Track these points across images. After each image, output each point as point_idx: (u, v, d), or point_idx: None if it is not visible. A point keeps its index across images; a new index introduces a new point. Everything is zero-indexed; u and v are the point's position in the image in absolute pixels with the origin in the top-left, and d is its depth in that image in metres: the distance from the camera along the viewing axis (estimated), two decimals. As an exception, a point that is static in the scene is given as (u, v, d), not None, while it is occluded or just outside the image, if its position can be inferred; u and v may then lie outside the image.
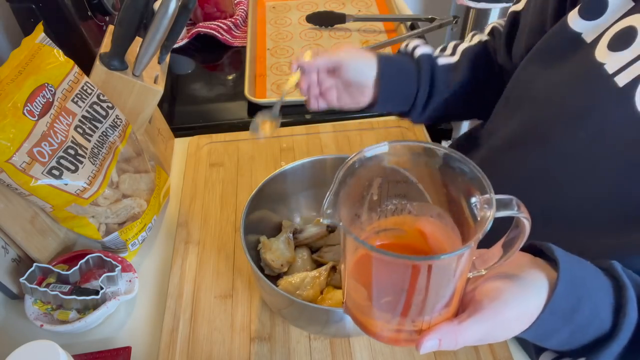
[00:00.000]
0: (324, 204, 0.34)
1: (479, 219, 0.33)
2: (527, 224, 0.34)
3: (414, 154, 0.37)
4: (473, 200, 0.34)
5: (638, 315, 0.37)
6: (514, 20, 0.64)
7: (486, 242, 0.34)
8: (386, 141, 0.37)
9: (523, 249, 0.37)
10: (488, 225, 0.32)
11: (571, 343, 0.39)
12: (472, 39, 0.73)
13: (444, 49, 0.73)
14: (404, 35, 1.10)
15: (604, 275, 0.39)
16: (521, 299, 0.36)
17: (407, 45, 0.73)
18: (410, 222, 0.39)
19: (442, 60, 0.70)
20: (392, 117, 0.93)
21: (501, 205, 0.32)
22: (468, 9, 1.81)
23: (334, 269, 0.64)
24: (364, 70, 0.66)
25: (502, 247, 0.36)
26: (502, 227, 0.34)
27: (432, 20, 1.13)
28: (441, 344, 0.35)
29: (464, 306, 0.37)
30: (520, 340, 0.61)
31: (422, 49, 0.70)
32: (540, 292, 0.36)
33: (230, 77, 1.10)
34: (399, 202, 0.39)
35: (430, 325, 0.36)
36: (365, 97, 0.68)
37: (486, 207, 0.32)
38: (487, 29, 0.74)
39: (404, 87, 0.68)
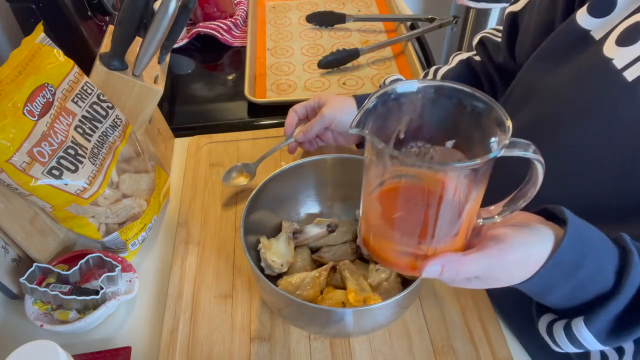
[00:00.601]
0: (354, 118, 0.35)
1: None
2: (540, 169, 0.35)
3: (442, 96, 0.38)
4: (492, 140, 0.35)
5: None
6: (513, 20, 0.65)
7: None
8: (416, 79, 0.38)
9: (536, 213, 0.40)
10: (500, 151, 0.33)
11: (571, 300, 0.39)
12: (452, 61, 0.75)
13: (425, 75, 0.76)
14: (403, 36, 1.10)
15: (612, 242, 0.40)
16: (526, 244, 0.37)
17: (384, 82, 0.76)
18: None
19: None
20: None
21: (518, 145, 0.34)
22: (468, 9, 1.81)
23: (334, 269, 0.64)
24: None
25: (515, 196, 0.38)
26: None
27: (432, 20, 1.13)
28: (443, 270, 0.37)
29: (471, 247, 0.39)
30: (522, 339, 0.62)
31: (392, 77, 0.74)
32: (546, 243, 0.37)
33: (230, 77, 1.10)
34: (423, 145, 0.40)
35: (436, 253, 0.38)
36: (357, 138, 0.76)
37: (503, 140, 0.34)
38: (475, 41, 0.75)
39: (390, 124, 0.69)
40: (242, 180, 0.79)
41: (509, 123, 0.34)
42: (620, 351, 0.42)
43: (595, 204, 0.48)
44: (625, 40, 0.46)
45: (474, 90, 0.36)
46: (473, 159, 0.32)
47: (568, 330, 0.41)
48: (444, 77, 0.71)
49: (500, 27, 0.71)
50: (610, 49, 0.47)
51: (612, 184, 0.48)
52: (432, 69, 0.77)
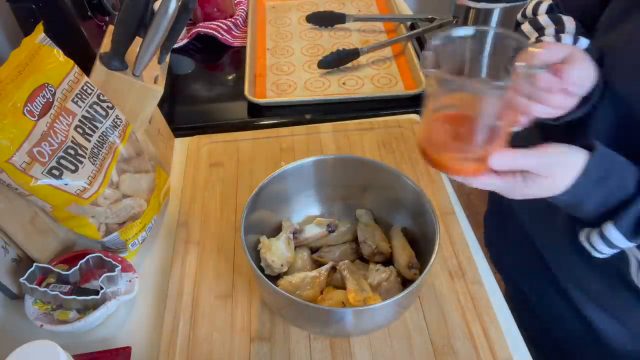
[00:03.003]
0: (424, 54, 0.45)
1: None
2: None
3: (495, 39, 0.48)
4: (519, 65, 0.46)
5: None
6: None
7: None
8: (473, 26, 0.49)
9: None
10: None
11: (602, 206, 0.48)
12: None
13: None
14: (403, 36, 1.10)
15: (634, 164, 0.48)
16: (566, 149, 0.47)
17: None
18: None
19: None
20: (392, 117, 0.93)
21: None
22: (468, 9, 1.81)
23: (334, 269, 0.64)
24: None
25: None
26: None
27: (432, 20, 1.13)
28: (501, 158, 0.46)
29: None
30: (523, 338, 0.62)
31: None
32: (580, 157, 0.47)
33: (230, 77, 1.10)
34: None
35: (486, 155, 0.47)
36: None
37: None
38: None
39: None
40: None
41: (526, 47, 0.46)
42: None
43: None
44: None
45: (507, 32, 0.47)
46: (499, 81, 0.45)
47: (602, 234, 0.49)
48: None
49: None
50: None
51: None
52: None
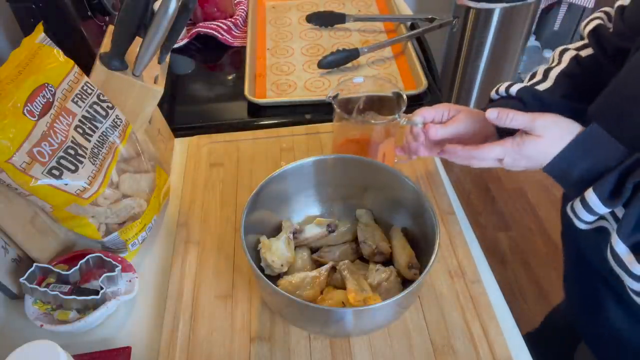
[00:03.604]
0: (329, 92, 0.72)
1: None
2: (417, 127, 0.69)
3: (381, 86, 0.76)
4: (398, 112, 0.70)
5: None
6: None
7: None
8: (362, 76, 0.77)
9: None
10: (396, 116, 0.70)
11: (585, 178, 0.52)
12: (562, 59, 0.69)
13: (533, 76, 0.70)
14: (403, 36, 1.10)
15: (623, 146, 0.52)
16: (561, 118, 0.54)
17: (497, 90, 0.71)
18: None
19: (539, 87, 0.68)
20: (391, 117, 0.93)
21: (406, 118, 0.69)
22: (468, 9, 1.81)
23: (334, 269, 0.64)
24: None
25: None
26: None
27: (432, 20, 1.13)
28: (503, 112, 0.56)
29: None
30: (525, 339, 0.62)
31: (516, 86, 0.68)
32: (574, 124, 0.53)
33: (230, 77, 1.10)
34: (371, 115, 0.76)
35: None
36: None
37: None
38: (588, 29, 0.69)
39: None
40: None
41: (404, 99, 0.70)
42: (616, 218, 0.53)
43: None
44: None
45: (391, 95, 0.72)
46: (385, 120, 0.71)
47: (583, 199, 0.53)
48: (557, 79, 0.67)
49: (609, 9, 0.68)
50: None
51: None
52: (542, 68, 0.70)
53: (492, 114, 0.56)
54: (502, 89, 0.69)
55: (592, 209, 0.52)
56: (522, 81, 0.70)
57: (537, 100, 0.66)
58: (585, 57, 0.68)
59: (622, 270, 0.51)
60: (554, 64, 0.70)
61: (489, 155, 0.58)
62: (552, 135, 0.54)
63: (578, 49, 0.69)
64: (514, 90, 0.67)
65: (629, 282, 0.52)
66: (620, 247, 0.50)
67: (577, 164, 0.53)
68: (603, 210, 0.52)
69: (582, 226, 0.56)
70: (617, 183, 0.50)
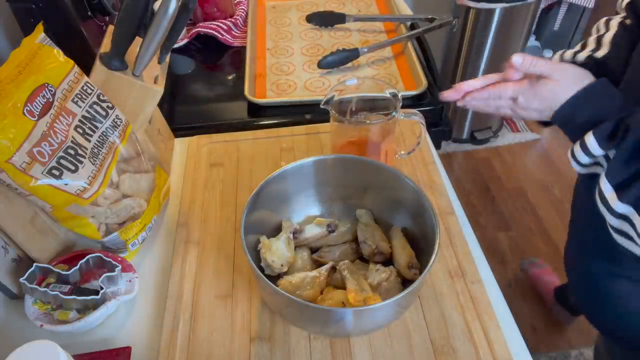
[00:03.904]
0: (323, 100, 0.73)
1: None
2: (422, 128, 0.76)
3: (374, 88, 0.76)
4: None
5: None
6: None
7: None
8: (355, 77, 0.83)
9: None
10: (393, 113, 0.72)
11: (587, 124, 0.56)
12: (610, 25, 0.71)
13: (584, 46, 0.71)
14: (403, 36, 1.10)
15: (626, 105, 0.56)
16: (577, 67, 0.59)
17: (562, 55, 0.71)
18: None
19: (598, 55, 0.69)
20: (388, 116, 0.93)
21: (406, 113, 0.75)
22: (468, 9, 1.81)
23: (334, 269, 0.64)
24: None
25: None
26: None
27: (432, 20, 1.13)
28: (526, 58, 0.58)
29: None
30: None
31: (581, 55, 0.69)
32: (588, 73, 0.58)
33: (230, 77, 1.10)
34: (365, 115, 0.77)
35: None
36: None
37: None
38: (626, 1, 0.70)
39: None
40: None
41: (399, 97, 0.72)
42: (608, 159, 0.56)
43: None
44: None
45: (383, 95, 0.74)
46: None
47: (582, 142, 0.56)
48: (612, 44, 0.67)
49: None
50: None
51: None
52: (593, 37, 0.71)
53: (518, 59, 0.58)
54: (568, 55, 0.70)
55: (589, 151, 0.56)
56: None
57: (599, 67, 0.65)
58: (629, 25, 0.69)
59: (605, 207, 0.55)
60: (602, 32, 0.71)
61: (504, 93, 0.60)
62: (567, 81, 0.58)
63: (621, 18, 0.71)
64: (580, 58, 0.68)
65: (609, 219, 0.55)
66: (606, 186, 0.54)
67: (582, 111, 0.57)
68: (599, 152, 0.55)
69: (578, 169, 0.59)
70: (614, 129, 0.54)
